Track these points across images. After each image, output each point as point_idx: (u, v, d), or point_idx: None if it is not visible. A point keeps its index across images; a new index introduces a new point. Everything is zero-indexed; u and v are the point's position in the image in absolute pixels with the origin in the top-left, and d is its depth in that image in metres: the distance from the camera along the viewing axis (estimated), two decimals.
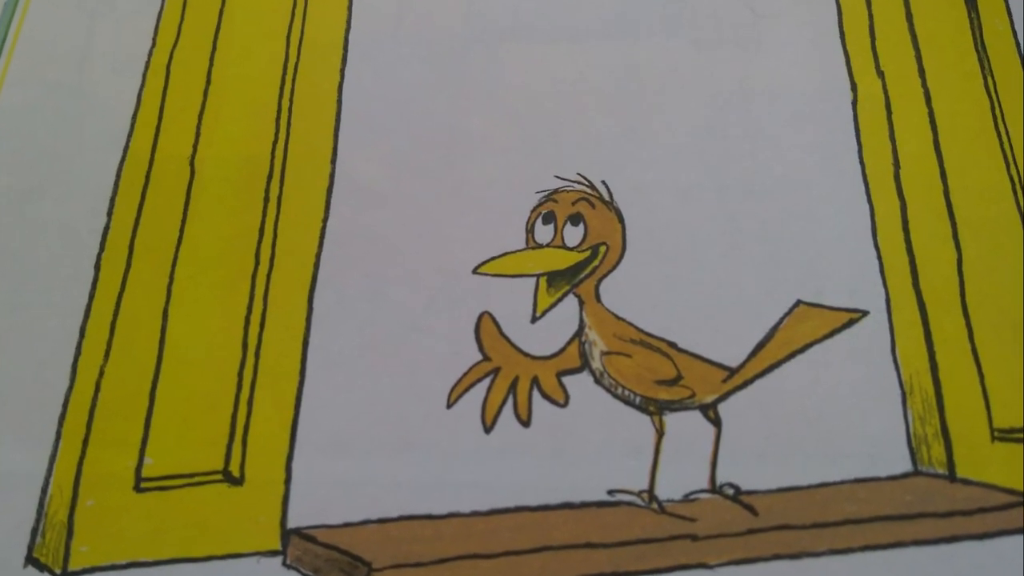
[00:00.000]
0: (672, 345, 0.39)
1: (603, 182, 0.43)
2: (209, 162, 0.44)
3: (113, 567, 0.36)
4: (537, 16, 0.48)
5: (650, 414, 0.38)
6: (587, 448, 0.37)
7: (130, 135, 0.45)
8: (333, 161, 0.44)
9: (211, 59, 0.47)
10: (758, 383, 0.38)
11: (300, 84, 0.46)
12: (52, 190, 0.44)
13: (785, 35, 0.46)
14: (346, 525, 0.36)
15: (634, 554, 0.35)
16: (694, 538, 0.35)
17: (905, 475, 0.36)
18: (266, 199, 0.43)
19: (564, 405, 0.38)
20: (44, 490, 0.37)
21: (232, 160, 0.44)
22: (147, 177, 0.44)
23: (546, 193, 0.42)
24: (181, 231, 0.43)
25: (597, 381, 0.38)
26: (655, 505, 0.36)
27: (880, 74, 0.45)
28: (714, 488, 0.36)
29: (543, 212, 0.42)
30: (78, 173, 0.44)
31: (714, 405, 0.38)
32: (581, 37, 0.47)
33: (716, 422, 0.37)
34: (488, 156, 0.44)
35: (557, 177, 0.43)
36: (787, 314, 0.39)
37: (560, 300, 0.40)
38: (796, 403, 0.37)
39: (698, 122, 0.44)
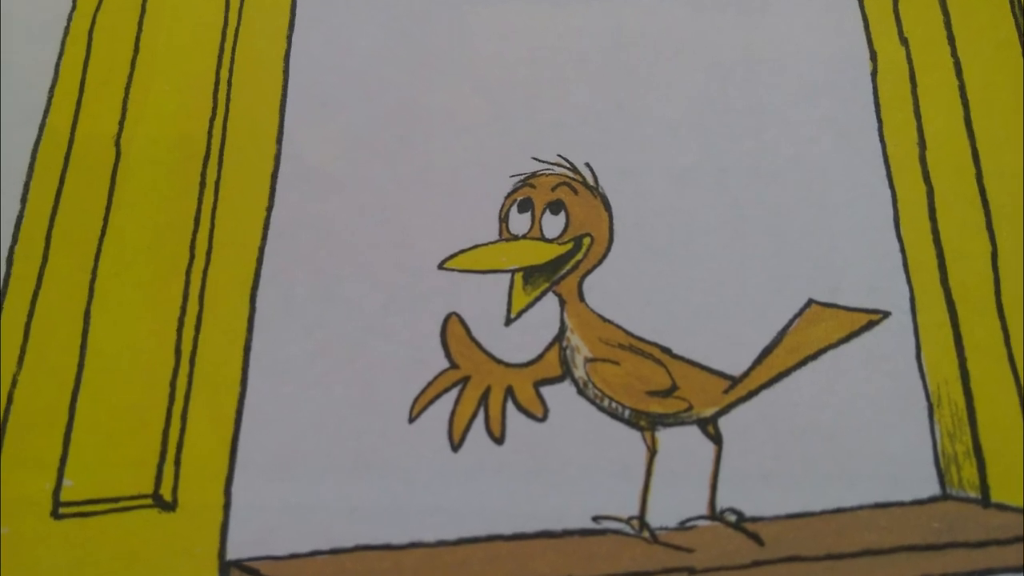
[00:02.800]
0: (666, 351, 0.38)
1: (587, 164, 0.42)
2: (137, 141, 0.43)
3: None
4: None
5: (641, 429, 0.37)
6: (569, 468, 0.36)
7: (47, 111, 0.44)
8: (279, 141, 0.43)
9: (139, 24, 0.46)
10: (764, 394, 0.37)
11: (241, 52, 0.45)
12: None
13: None
14: (293, 556, 0.35)
15: None
16: (691, 571, 0.34)
17: (932, 499, 0.36)
18: (202, 184, 0.42)
19: (543, 419, 0.37)
20: None
21: (163, 139, 0.43)
22: (66, 158, 0.43)
23: (522, 177, 0.41)
24: (105, 220, 0.42)
25: (580, 392, 0.38)
26: (647, 533, 0.35)
27: (904, 41, 0.44)
28: (714, 514, 0.35)
29: (519, 199, 0.41)
30: None
31: (714, 419, 0.37)
32: None
33: (716, 439, 0.37)
34: (456, 135, 0.43)
35: (534, 159, 0.42)
36: (797, 315, 0.39)
37: (538, 299, 0.39)
38: (808, 417, 0.37)
39: (696, 96, 0.43)
